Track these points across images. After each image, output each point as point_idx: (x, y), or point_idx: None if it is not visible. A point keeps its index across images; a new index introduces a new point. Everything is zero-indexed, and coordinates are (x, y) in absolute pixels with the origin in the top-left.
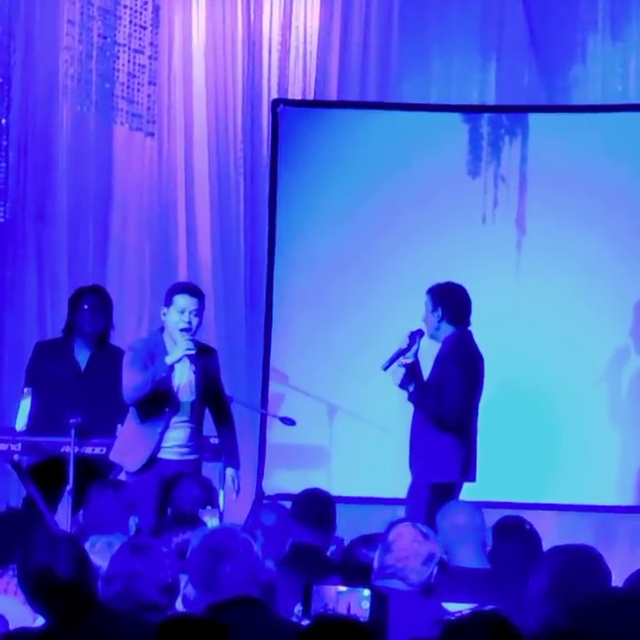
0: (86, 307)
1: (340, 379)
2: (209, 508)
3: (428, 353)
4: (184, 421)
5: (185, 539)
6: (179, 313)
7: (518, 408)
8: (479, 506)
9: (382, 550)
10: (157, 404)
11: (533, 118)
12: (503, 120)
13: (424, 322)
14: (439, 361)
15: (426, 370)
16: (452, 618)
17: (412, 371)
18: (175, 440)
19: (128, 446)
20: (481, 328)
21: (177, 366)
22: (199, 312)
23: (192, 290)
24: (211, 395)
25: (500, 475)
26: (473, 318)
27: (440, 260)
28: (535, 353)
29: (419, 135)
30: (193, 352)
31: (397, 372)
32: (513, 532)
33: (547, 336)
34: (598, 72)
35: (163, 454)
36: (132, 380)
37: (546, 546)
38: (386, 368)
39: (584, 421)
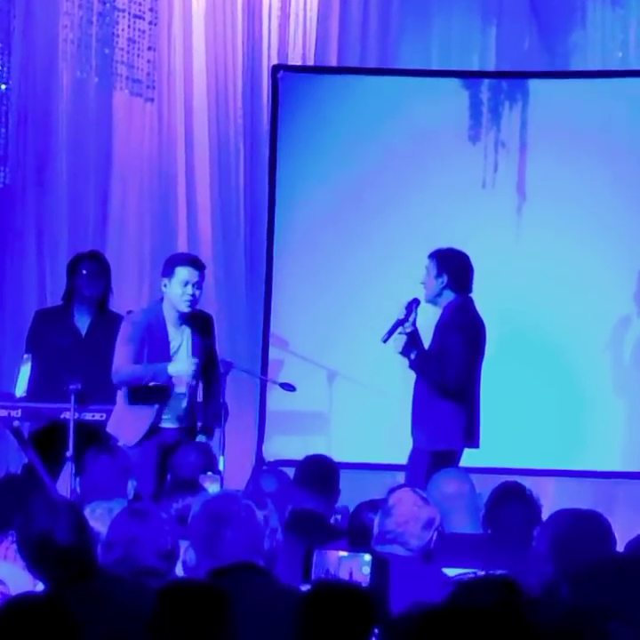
0: (85, 272)
1: (340, 344)
2: (209, 473)
3: (427, 320)
4: (182, 392)
5: (185, 504)
6: (181, 285)
7: (520, 374)
8: (468, 471)
9: (382, 515)
10: (150, 393)
11: (533, 84)
12: (503, 86)
13: (423, 285)
14: (440, 328)
15: (425, 336)
16: (463, 579)
17: (412, 339)
18: (174, 410)
19: (125, 420)
20: (481, 293)
21: (175, 336)
22: (201, 284)
23: (194, 262)
24: (205, 361)
25: (501, 441)
26: (474, 283)
27: (440, 225)
28: (536, 319)
29: (419, 101)
30: (193, 382)
31: (398, 339)
32: (514, 496)
33: (547, 301)
34: (598, 38)
35: (163, 423)
36: (126, 367)
37: (545, 512)
38: (385, 340)
39: (587, 386)
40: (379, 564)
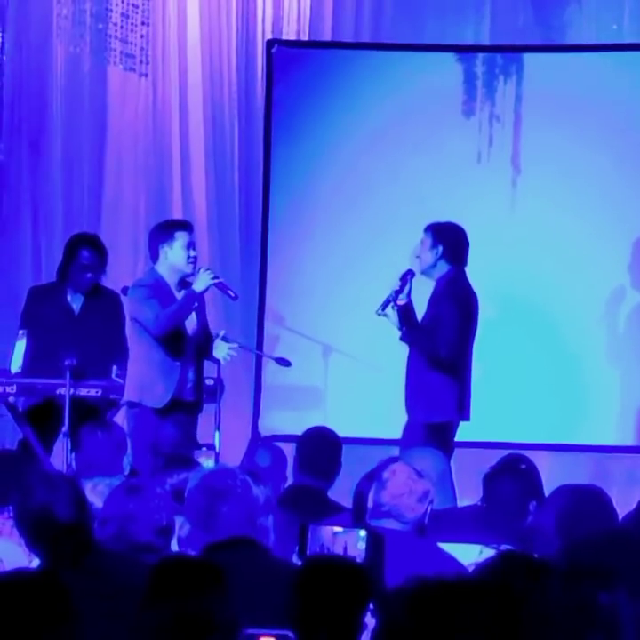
0: (82, 262)
1: (336, 318)
2: (204, 448)
3: (422, 294)
4: (192, 360)
5: (180, 480)
6: (184, 249)
7: (515, 348)
8: (463, 446)
9: (377, 488)
10: (176, 340)
11: (528, 58)
12: (498, 60)
13: (417, 257)
14: (434, 300)
15: (420, 309)
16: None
17: (406, 311)
18: (188, 380)
19: (149, 383)
20: (477, 267)
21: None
22: (196, 246)
23: (189, 225)
24: (203, 331)
25: (498, 415)
26: (469, 256)
27: (436, 198)
28: (530, 292)
29: (413, 75)
30: (221, 279)
31: (392, 314)
32: (505, 471)
33: (542, 274)
34: (593, 11)
35: (184, 396)
36: (155, 312)
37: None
38: (380, 312)
39: (582, 360)
40: (374, 540)
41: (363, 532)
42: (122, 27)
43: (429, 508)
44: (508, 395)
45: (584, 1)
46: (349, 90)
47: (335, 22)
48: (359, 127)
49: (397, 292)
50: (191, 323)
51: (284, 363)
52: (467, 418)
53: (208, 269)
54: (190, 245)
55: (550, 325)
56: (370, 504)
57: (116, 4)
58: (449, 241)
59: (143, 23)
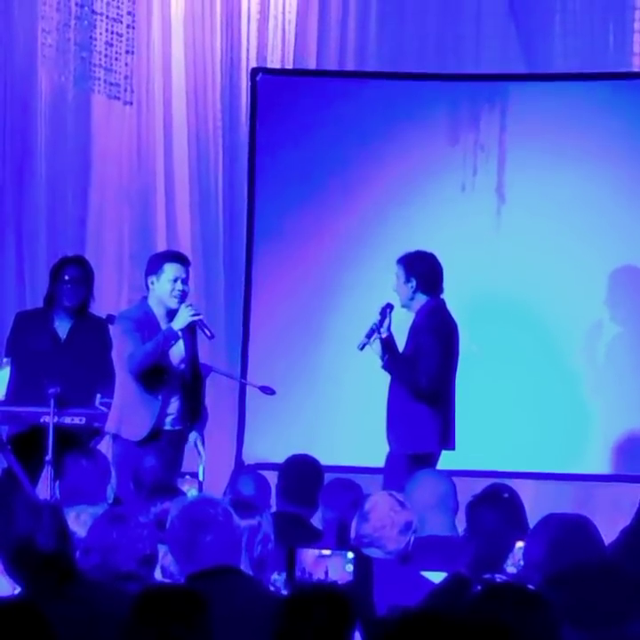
0: (67, 278)
1: (320, 347)
2: (188, 477)
3: (402, 323)
4: (177, 391)
5: (163, 508)
6: (171, 282)
7: (498, 377)
8: (450, 474)
9: (359, 519)
10: (156, 375)
11: (512, 87)
12: (482, 88)
13: (396, 291)
14: (414, 331)
15: (400, 339)
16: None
17: (387, 344)
18: (171, 408)
19: (128, 415)
20: (460, 295)
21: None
22: (187, 280)
23: (181, 258)
24: (192, 361)
25: (480, 444)
26: (453, 286)
27: (420, 228)
28: (514, 321)
29: (397, 104)
30: (201, 316)
31: (376, 343)
32: (487, 501)
33: (525, 305)
34: (577, 41)
35: (165, 426)
36: (136, 349)
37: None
38: (361, 348)
39: (564, 390)
40: (362, 562)
41: (351, 555)
42: (106, 55)
43: (412, 538)
44: (492, 423)
45: (569, 30)
46: (333, 117)
47: (320, 50)
48: (344, 155)
49: (378, 327)
50: (179, 353)
51: (268, 391)
52: (451, 447)
53: (189, 305)
54: (178, 279)
55: (532, 355)
56: (352, 534)
57: (101, 33)
58: (421, 272)
59: (127, 52)
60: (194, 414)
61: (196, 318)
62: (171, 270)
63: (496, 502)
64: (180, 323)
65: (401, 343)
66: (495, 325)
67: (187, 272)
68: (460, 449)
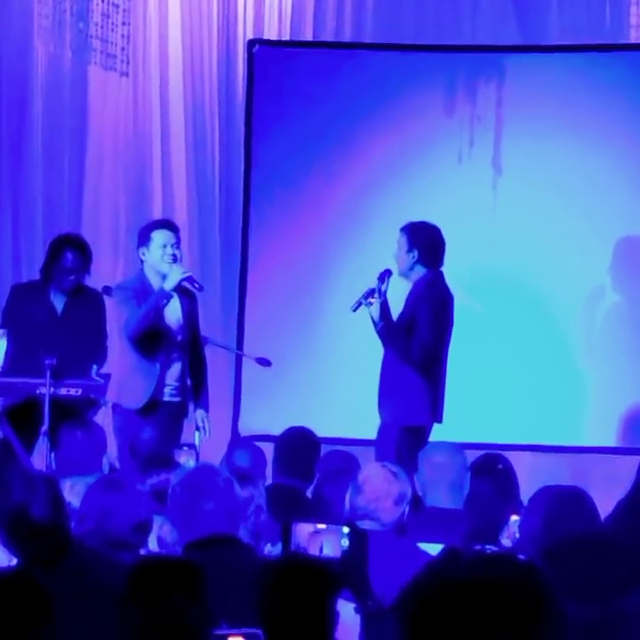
0: (66, 264)
1: (316, 319)
2: (185, 448)
3: (399, 293)
4: (176, 359)
5: (160, 480)
6: (161, 248)
7: (496, 349)
8: (462, 447)
9: (353, 492)
10: (153, 339)
11: (509, 59)
12: (479, 60)
13: (395, 259)
14: (410, 302)
15: (396, 308)
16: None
17: (382, 309)
18: (170, 379)
19: (126, 384)
20: (457, 267)
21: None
22: (179, 245)
23: (168, 224)
24: (191, 334)
25: (478, 416)
26: (449, 258)
27: (416, 199)
28: (511, 293)
29: (394, 75)
30: (190, 273)
31: (374, 308)
32: (483, 471)
33: (523, 276)
34: (574, 12)
35: (164, 397)
36: (132, 314)
37: (523, 487)
38: (355, 309)
39: (561, 363)
40: (357, 537)
41: (346, 530)
42: (102, 26)
43: (407, 509)
44: (489, 396)
45: (565, 2)
46: (330, 89)
47: (316, 22)
48: (340, 127)
49: (372, 291)
50: (177, 321)
51: (264, 362)
52: (439, 420)
53: (178, 264)
54: (167, 244)
55: (529, 327)
56: (347, 506)
57: (97, 4)
58: (424, 244)
59: (124, 23)
60: (197, 387)
61: (185, 275)
62: (159, 237)
63: (490, 473)
64: (171, 282)
65: (396, 312)
66: (492, 297)
67: (176, 237)
68: (457, 421)
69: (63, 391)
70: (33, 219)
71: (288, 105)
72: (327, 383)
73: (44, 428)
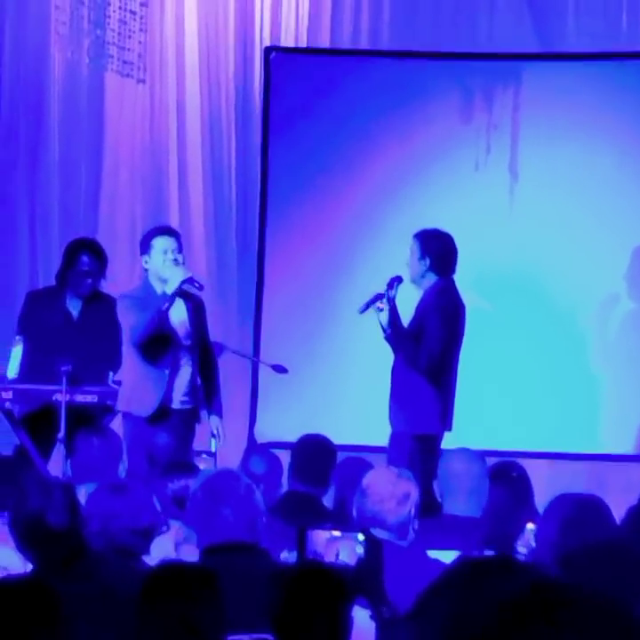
0: (81, 268)
1: (332, 326)
2: (204, 456)
3: (410, 300)
4: (185, 365)
5: (181, 485)
6: (161, 254)
7: (512, 356)
8: (481, 454)
9: (358, 497)
10: (160, 345)
11: (526, 66)
12: (495, 68)
13: (408, 266)
14: (421, 309)
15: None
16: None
17: (390, 316)
18: (180, 385)
19: (135, 391)
20: (473, 274)
21: (173, 307)
22: (180, 250)
23: (167, 230)
24: (199, 338)
25: (493, 423)
26: (466, 264)
27: (432, 205)
28: (528, 299)
29: (411, 82)
30: (190, 274)
31: (384, 313)
32: (498, 478)
33: (539, 283)
34: (590, 20)
35: (173, 404)
36: (137, 321)
37: (539, 494)
38: (362, 311)
39: (578, 370)
40: (372, 544)
41: (361, 537)
42: (119, 33)
43: (413, 510)
44: (505, 402)
45: (582, 9)
46: (347, 95)
47: (333, 28)
48: (357, 134)
49: (381, 296)
50: (183, 327)
51: (280, 370)
52: (449, 428)
53: (179, 267)
54: (168, 250)
55: (546, 334)
56: (354, 513)
57: (114, 11)
58: (437, 252)
59: (141, 30)
60: (208, 393)
61: (185, 277)
62: (159, 244)
63: (505, 480)
64: (172, 285)
65: (406, 319)
66: (508, 303)
67: (177, 242)
68: (472, 428)
69: (79, 398)
70: (49, 226)
71: (305, 112)
72: (343, 390)
73: (61, 434)
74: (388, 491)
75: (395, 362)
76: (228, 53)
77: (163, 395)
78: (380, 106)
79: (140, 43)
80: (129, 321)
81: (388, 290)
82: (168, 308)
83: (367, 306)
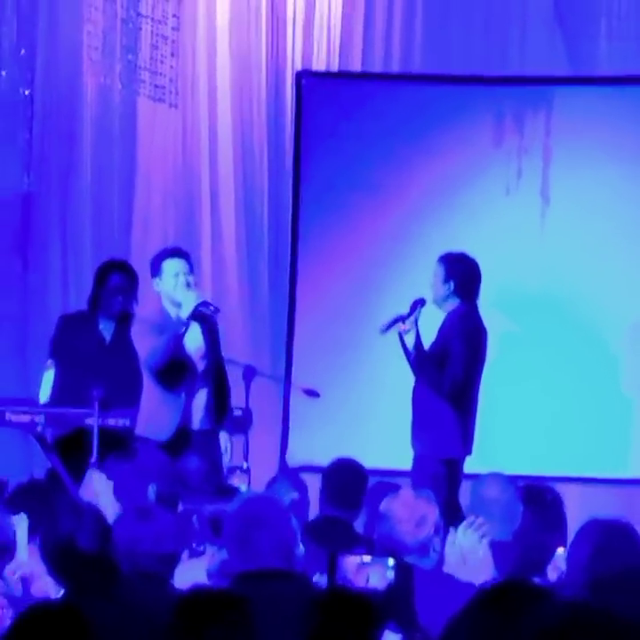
0: (113, 286)
1: (366, 348)
2: (238, 472)
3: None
4: (201, 387)
5: (218, 508)
6: (173, 277)
7: (544, 378)
8: (515, 480)
9: (378, 522)
10: (175, 372)
11: (558, 90)
12: (527, 92)
13: (432, 288)
14: (443, 333)
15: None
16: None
17: (412, 338)
18: (198, 408)
19: (153, 415)
20: (504, 299)
21: (188, 331)
22: (191, 270)
23: (178, 252)
24: (215, 360)
25: (524, 446)
26: (497, 289)
27: (463, 230)
28: (559, 323)
29: (442, 106)
30: (203, 298)
31: (408, 336)
32: (531, 502)
33: (571, 308)
34: (622, 43)
35: (192, 425)
36: (152, 346)
37: (570, 518)
38: (383, 332)
39: (610, 392)
40: (402, 569)
41: (391, 562)
42: (151, 58)
43: (432, 530)
44: (535, 425)
45: (614, 33)
46: (379, 119)
47: (365, 52)
48: (388, 157)
49: (403, 318)
50: (198, 350)
51: (312, 394)
52: (469, 452)
53: (192, 290)
54: (179, 273)
55: (578, 355)
56: (376, 537)
57: (146, 36)
58: (460, 277)
59: (173, 54)
60: (219, 410)
61: (199, 301)
62: (170, 266)
63: (539, 505)
64: (186, 310)
65: (428, 341)
66: (539, 326)
67: (188, 264)
68: (503, 452)
69: (111, 422)
70: (82, 250)
71: (336, 136)
72: (375, 412)
73: (93, 459)
74: (405, 513)
75: (416, 385)
76: (260, 78)
77: (180, 418)
78: (411, 129)
79: (171, 67)
80: (145, 347)
81: (410, 311)
82: (184, 333)
83: (388, 326)
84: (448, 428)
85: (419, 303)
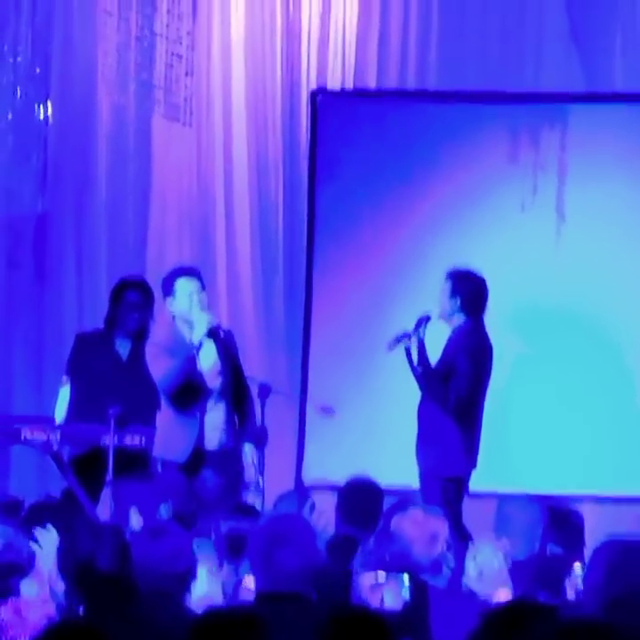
0: (129, 302)
1: (382, 366)
2: (252, 488)
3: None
4: (217, 406)
5: (236, 526)
6: (187, 297)
7: (559, 395)
8: (538, 500)
9: (387, 542)
10: (189, 394)
11: (573, 106)
12: (542, 108)
13: (439, 303)
14: (449, 349)
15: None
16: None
17: (419, 356)
18: (213, 427)
19: (170, 437)
20: (519, 315)
21: (202, 350)
22: (203, 288)
23: (190, 270)
24: (233, 375)
25: (541, 464)
26: (512, 305)
27: (478, 246)
28: (575, 339)
29: (457, 122)
30: (217, 321)
31: (415, 351)
32: (556, 524)
33: (586, 324)
34: (638, 60)
35: (206, 445)
36: (166, 369)
37: (587, 537)
38: (390, 348)
39: (627, 408)
40: (417, 587)
41: (406, 580)
42: (166, 77)
43: (444, 547)
44: (552, 443)
45: (629, 50)
46: (394, 137)
47: (380, 69)
48: (403, 174)
49: (408, 335)
50: (213, 368)
51: (327, 411)
52: (474, 467)
53: (204, 311)
54: (193, 292)
55: (596, 373)
56: (387, 557)
57: (160, 55)
58: (467, 293)
59: (187, 73)
60: (240, 425)
61: (211, 325)
62: (183, 286)
63: (562, 526)
64: (199, 333)
65: (433, 357)
66: (555, 343)
67: (200, 282)
68: (521, 471)
69: (127, 439)
70: (97, 269)
71: (352, 154)
72: (390, 429)
73: (109, 477)
74: (415, 533)
75: (421, 401)
76: (275, 96)
77: (196, 438)
78: (426, 146)
79: (186, 86)
80: (159, 370)
81: (415, 328)
82: (197, 354)
83: (395, 343)
84: (452, 445)
85: (423, 320)
